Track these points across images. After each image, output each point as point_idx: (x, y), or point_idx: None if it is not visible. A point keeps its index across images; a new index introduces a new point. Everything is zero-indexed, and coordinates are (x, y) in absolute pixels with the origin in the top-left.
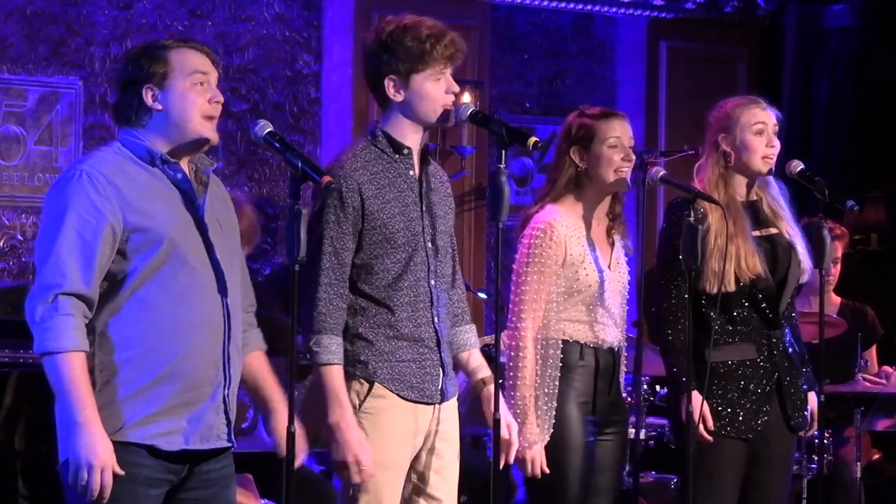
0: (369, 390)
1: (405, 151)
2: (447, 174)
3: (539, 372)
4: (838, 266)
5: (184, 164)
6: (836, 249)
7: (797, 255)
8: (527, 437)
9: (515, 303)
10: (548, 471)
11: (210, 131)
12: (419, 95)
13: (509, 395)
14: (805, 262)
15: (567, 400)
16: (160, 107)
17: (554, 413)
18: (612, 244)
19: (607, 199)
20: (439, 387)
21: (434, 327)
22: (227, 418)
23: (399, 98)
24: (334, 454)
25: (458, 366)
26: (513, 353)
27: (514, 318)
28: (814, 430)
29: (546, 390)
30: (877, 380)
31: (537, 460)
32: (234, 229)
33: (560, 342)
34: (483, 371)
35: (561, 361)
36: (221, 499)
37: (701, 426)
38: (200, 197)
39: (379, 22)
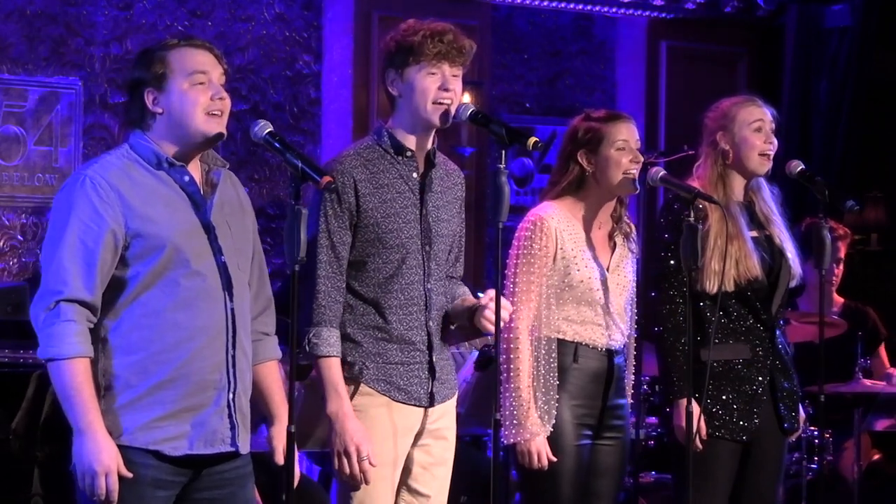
0: (356, 389)
1: (408, 154)
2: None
3: (534, 370)
4: (841, 267)
5: (194, 164)
6: (839, 250)
7: (787, 259)
8: (529, 429)
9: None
10: (554, 459)
11: (217, 126)
12: (411, 88)
13: (507, 389)
14: (795, 266)
15: (559, 402)
16: (161, 110)
17: (555, 405)
18: (614, 247)
19: (611, 203)
20: (428, 390)
21: (427, 330)
22: (233, 423)
23: (396, 93)
24: (334, 444)
25: (455, 312)
26: (509, 345)
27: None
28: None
29: (544, 389)
30: (876, 382)
31: (543, 451)
32: (245, 231)
33: (555, 341)
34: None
35: (556, 362)
36: (239, 498)
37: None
38: (208, 199)
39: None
